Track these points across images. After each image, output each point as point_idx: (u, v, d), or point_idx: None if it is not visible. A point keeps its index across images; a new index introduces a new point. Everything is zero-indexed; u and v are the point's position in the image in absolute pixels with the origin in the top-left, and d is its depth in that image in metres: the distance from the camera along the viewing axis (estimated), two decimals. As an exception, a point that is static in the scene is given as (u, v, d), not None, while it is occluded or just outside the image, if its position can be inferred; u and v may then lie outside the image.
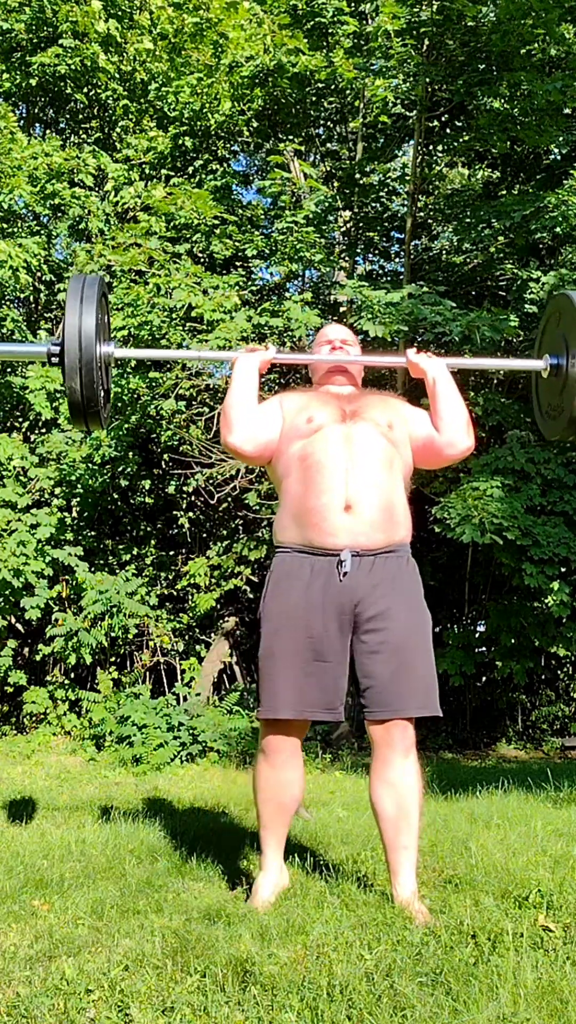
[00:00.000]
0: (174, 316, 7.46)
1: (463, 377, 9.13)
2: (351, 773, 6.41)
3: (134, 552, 9.13)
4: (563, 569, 7.53)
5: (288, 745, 2.48)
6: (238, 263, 8.82)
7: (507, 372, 9.20)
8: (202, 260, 8.33)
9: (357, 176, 8.99)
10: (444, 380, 2.71)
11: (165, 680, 8.79)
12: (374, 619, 2.40)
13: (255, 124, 8.92)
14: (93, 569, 8.37)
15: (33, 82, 8.65)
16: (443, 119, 8.97)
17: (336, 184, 9.03)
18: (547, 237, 8.21)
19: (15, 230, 8.51)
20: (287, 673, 2.40)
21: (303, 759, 2.57)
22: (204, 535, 9.61)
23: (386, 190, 9.21)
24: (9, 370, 8.73)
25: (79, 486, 8.18)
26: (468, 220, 8.60)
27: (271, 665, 2.43)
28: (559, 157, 9.09)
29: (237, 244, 8.26)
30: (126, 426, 8.13)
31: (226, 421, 2.65)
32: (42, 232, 8.68)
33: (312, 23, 8.15)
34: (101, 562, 8.88)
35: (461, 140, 9.13)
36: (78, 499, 8.43)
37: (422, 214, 9.58)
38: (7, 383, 8.42)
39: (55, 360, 2.61)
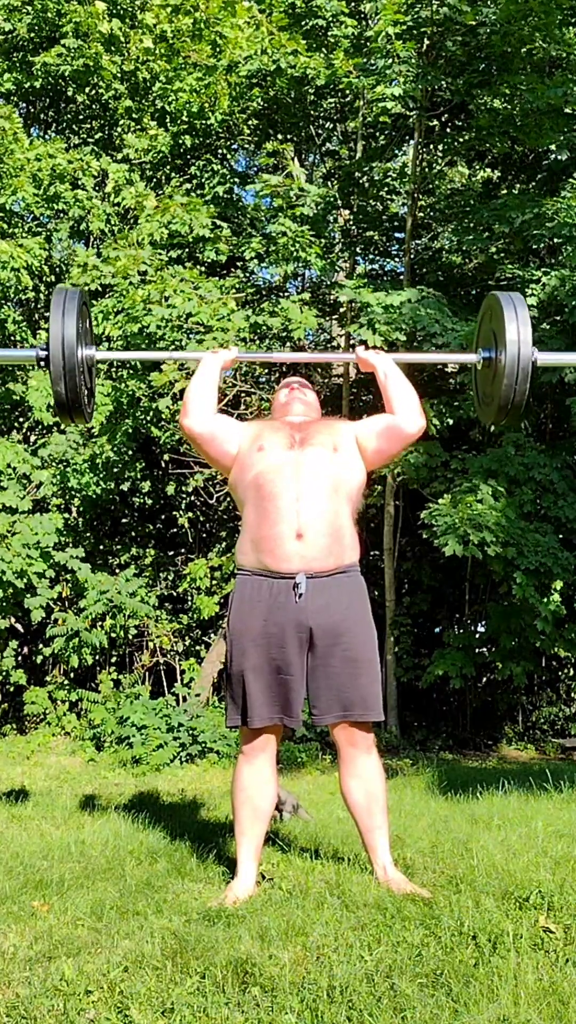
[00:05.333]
0: (171, 320, 7.43)
1: (458, 378, 9.10)
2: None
3: (133, 552, 9.12)
4: (557, 572, 7.50)
5: (266, 744, 2.73)
6: (238, 263, 8.81)
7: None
8: (201, 262, 8.31)
9: (357, 175, 8.97)
10: (393, 371, 2.98)
11: (165, 681, 8.78)
12: (329, 636, 2.65)
13: (254, 122, 8.90)
14: (94, 570, 8.37)
15: (37, 84, 8.64)
16: (443, 119, 8.97)
17: (336, 183, 9.02)
18: (546, 242, 8.20)
19: (16, 231, 8.49)
20: (256, 688, 2.66)
21: (277, 770, 2.81)
22: (204, 536, 9.60)
23: (386, 189, 9.20)
24: (11, 380, 8.70)
25: (80, 488, 8.18)
26: (468, 222, 8.58)
27: (242, 682, 2.69)
28: (560, 158, 9.07)
29: (233, 249, 8.24)
30: (124, 426, 8.10)
31: (184, 406, 2.94)
32: (42, 232, 8.67)
33: (311, 24, 8.13)
34: (101, 563, 8.87)
35: (461, 140, 9.12)
36: (79, 501, 8.41)
37: (422, 214, 9.57)
38: (8, 392, 8.41)
39: (43, 364, 2.91)
